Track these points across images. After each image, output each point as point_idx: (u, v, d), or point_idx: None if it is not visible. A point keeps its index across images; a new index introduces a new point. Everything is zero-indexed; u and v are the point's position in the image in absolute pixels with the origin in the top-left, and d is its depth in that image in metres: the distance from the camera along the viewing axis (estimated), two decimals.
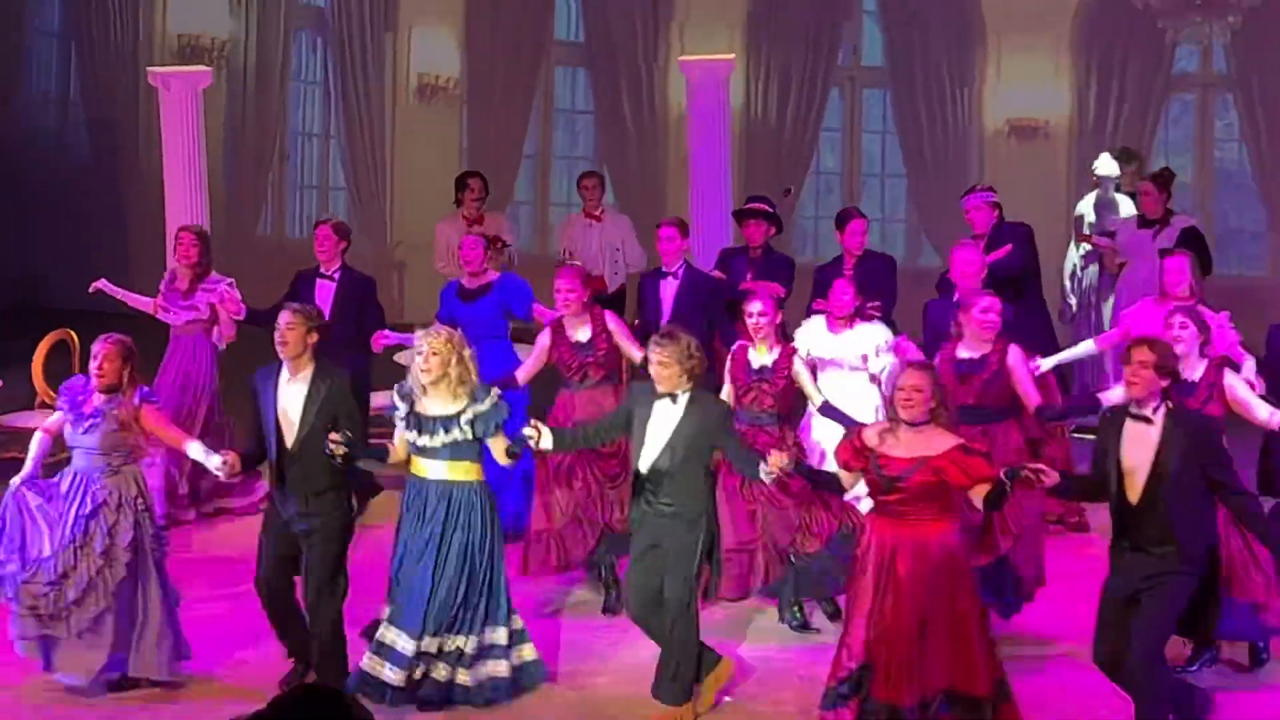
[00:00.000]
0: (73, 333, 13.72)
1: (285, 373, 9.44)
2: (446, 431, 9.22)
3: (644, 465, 9.11)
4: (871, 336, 11.21)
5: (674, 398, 9.11)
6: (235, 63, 19.73)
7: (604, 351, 10.91)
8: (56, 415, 9.86)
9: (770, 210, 13.30)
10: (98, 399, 9.49)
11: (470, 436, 9.18)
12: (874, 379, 11.02)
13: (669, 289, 12.35)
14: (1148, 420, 8.53)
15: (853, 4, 19.48)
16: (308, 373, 9.35)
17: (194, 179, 13.47)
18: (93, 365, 9.48)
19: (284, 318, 9.33)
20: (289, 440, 9.46)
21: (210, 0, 19.85)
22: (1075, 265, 14.36)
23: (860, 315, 11.26)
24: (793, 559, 10.48)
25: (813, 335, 11.26)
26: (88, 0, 20.05)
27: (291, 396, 9.37)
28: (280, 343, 9.31)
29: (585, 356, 10.91)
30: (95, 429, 9.46)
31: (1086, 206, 14.63)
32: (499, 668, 9.45)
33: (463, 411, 9.15)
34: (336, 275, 12.68)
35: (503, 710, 9.43)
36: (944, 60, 19.01)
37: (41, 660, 9.57)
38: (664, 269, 12.40)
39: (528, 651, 9.52)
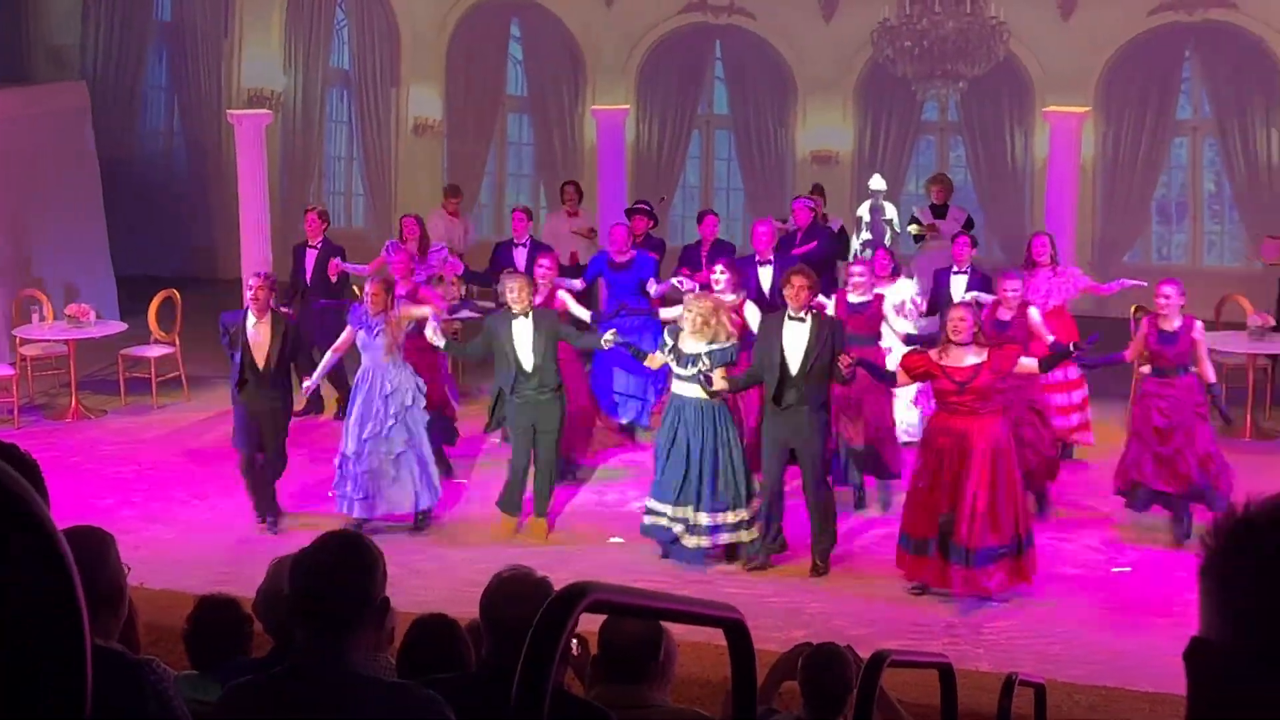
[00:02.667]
0: (176, 291, 13.79)
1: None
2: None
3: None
4: (902, 290, 11.21)
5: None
6: (288, 107, 19.64)
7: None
8: (345, 335, 9.93)
9: (650, 209, 13.43)
10: (375, 319, 9.63)
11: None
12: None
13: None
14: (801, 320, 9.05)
15: (706, 71, 19.48)
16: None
17: (259, 189, 13.51)
18: (366, 296, 9.72)
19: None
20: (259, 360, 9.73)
21: (270, 63, 19.78)
22: (856, 250, 14.32)
23: (894, 275, 11.31)
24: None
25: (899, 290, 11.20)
26: (185, 63, 19.92)
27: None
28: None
29: None
30: (380, 335, 9.61)
31: (864, 210, 14.62)
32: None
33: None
34: (320, 245, 12.92)
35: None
36: (768, 109, 19.00)
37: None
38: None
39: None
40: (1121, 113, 17.94)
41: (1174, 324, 9.56)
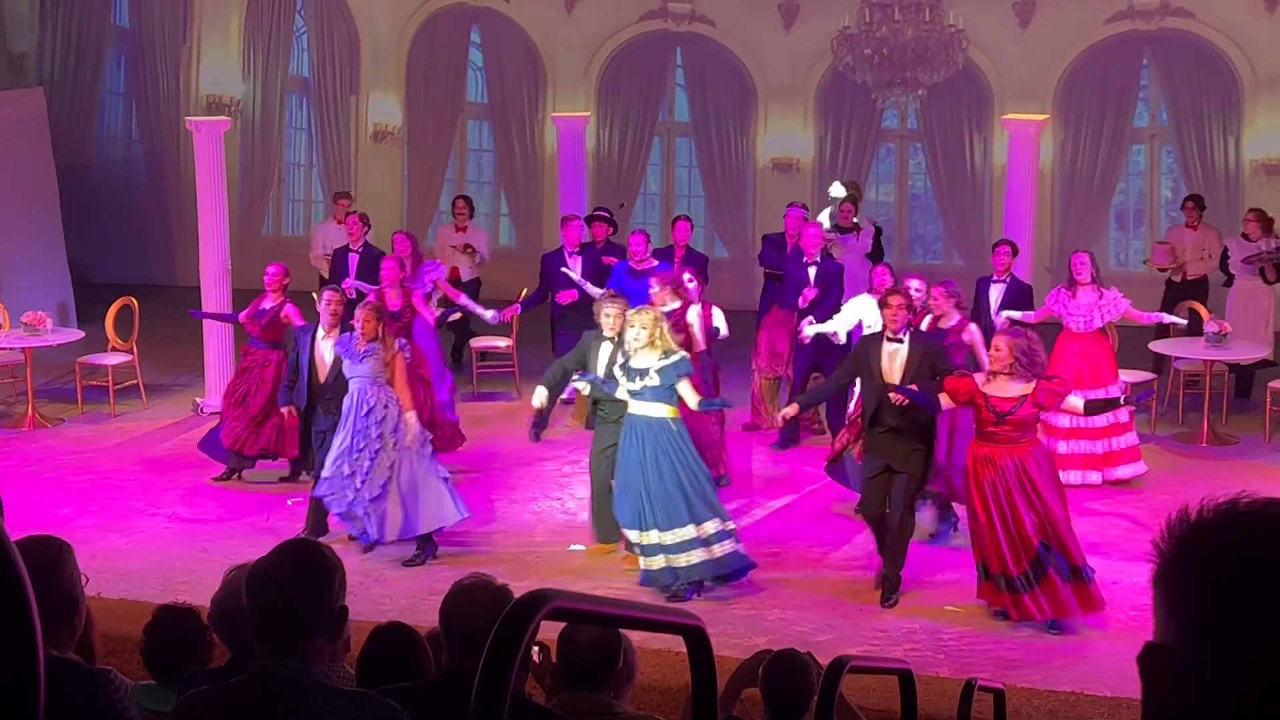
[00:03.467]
0: (134, 299, 13.70)
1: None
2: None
3: None
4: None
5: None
6: (246, 114, 19.53)
7: None
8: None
9: (609, 216, 13.41)
10: (364, 345, 9.36)
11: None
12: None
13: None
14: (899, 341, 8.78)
15: (667, 78, 19.51)
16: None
17: (218, 196, 13.41)
18: (356, 324, 9.39)
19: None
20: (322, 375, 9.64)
21: (229, 70, 19.67)
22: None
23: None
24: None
25: (866, 308, 10.83)
26: (143, 69, 19.79)
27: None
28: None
29: None
30: (369, 360, 9.34)
31: (824, 217, 14.68)
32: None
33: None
34: (360, 250, 13.03)
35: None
36: (729, 117, 19.04)
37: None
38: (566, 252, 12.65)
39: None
40: (1080, 120, 18.08)
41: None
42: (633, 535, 8.93)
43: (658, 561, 8.79)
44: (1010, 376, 8.21)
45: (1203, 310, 13.31)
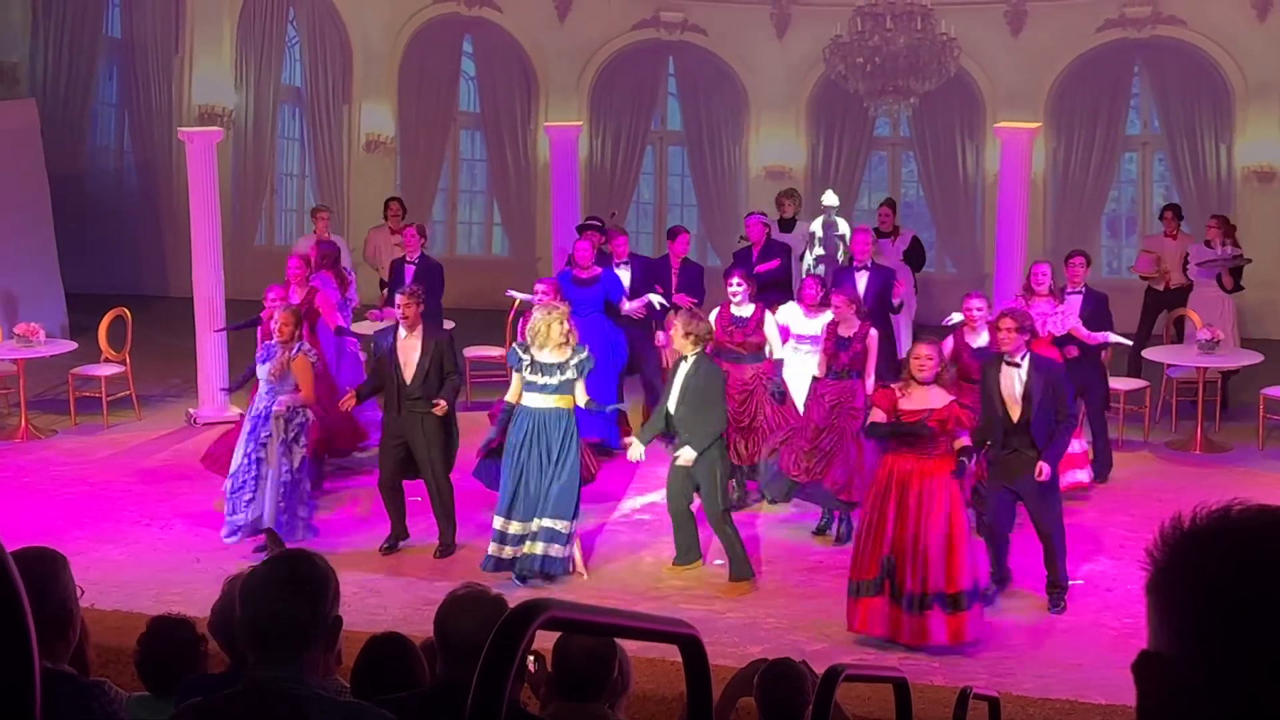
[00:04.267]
0: (126, 309, 13.69)
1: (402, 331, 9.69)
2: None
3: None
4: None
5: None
6: (239, 124, 19.54)
7: None
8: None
9: (601, 226, 13.37)
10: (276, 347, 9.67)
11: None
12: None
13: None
14: (1016, 365, 8.71)
15: (659, 87, 19.53)
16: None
17: (210, 206, 13.41)
18: (275, 325, 9.73)
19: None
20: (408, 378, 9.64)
21: (221, 80, 19.67)
22: (809, 265, 14.31)
23: (824, 304, 10.69)
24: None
25: (791, 315, 10.90)
26: (136, 80, 19.80)
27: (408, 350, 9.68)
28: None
29: None
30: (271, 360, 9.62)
31: (817, 225, 14.60)
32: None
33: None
34: (416, 261, 13.01)
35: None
36: (721, 125, 19.05)
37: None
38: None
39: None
40: (1072, 128, 18.11)
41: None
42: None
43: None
44: (933, 387, 8.19)
45: (1195, 318, 13.34)
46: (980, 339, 10.01)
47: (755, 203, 16.54)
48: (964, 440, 8.30)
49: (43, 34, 19.52)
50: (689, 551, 9.50)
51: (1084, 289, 11.39)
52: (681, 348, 9.16)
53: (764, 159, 18.92)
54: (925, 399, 8.17)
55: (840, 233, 14.55)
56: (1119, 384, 12.55)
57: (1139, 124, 18.37)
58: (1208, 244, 13.90)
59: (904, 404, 8.20)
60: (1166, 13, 17.61)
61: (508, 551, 9.16)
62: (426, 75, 19.71)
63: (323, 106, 19.82)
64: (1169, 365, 13.02)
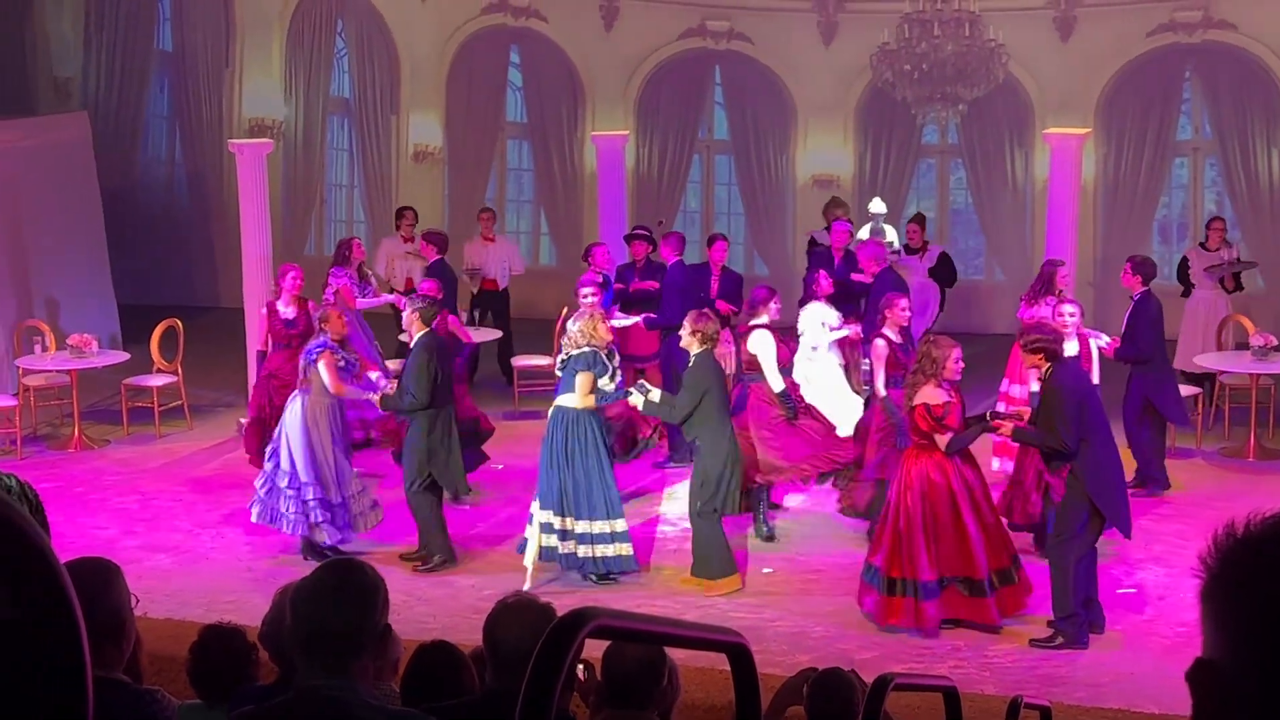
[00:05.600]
0: (178, 320, 13.79)
1: None
2: None
3: None
4: (822, 315, 10.81)
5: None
6: (289, 136, 19.70)
7: None
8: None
9: (649, 234, 13.37)
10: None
11: None
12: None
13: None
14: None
15: (706, 96, 19.53)
16: None
17: (261, 217, 13.49)
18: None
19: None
20: None
21: (271, 93, 19.85)
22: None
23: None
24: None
25: (821, 313, 10.85)
26: (187, 92, 20.02)
27: None
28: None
29: None
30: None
31: (864, 233, 14.64)
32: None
33: None
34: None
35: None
36: (769, 134, 19.05)
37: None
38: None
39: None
40: (1122, 134, 17.99)
41: None
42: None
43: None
44: (929, 385, 8.23)
45: (1249, 324, 13.21)
46: (1070, 347, 9.61)
47: (803, 211, 16.56)
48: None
49: (95, 48, 19.73)
50: (724, 565, 9.47)
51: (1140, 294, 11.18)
52: (688, 345, 9.20)
53: (811, 167, 18.88)
54: (929, 395, 8.25)
55: (888, 240, 14.55)
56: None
57: (1190, 129, 18.22)
58: (1203, 247, 14.03)
59: (939, 409, 8.22)
60: (1217, 17, 17.47)
61: (564, 546, 9.21)
62: (474, 86, 19.79)
63: (371, 118, 19.93)
64: (1221, 371, 12.90)
